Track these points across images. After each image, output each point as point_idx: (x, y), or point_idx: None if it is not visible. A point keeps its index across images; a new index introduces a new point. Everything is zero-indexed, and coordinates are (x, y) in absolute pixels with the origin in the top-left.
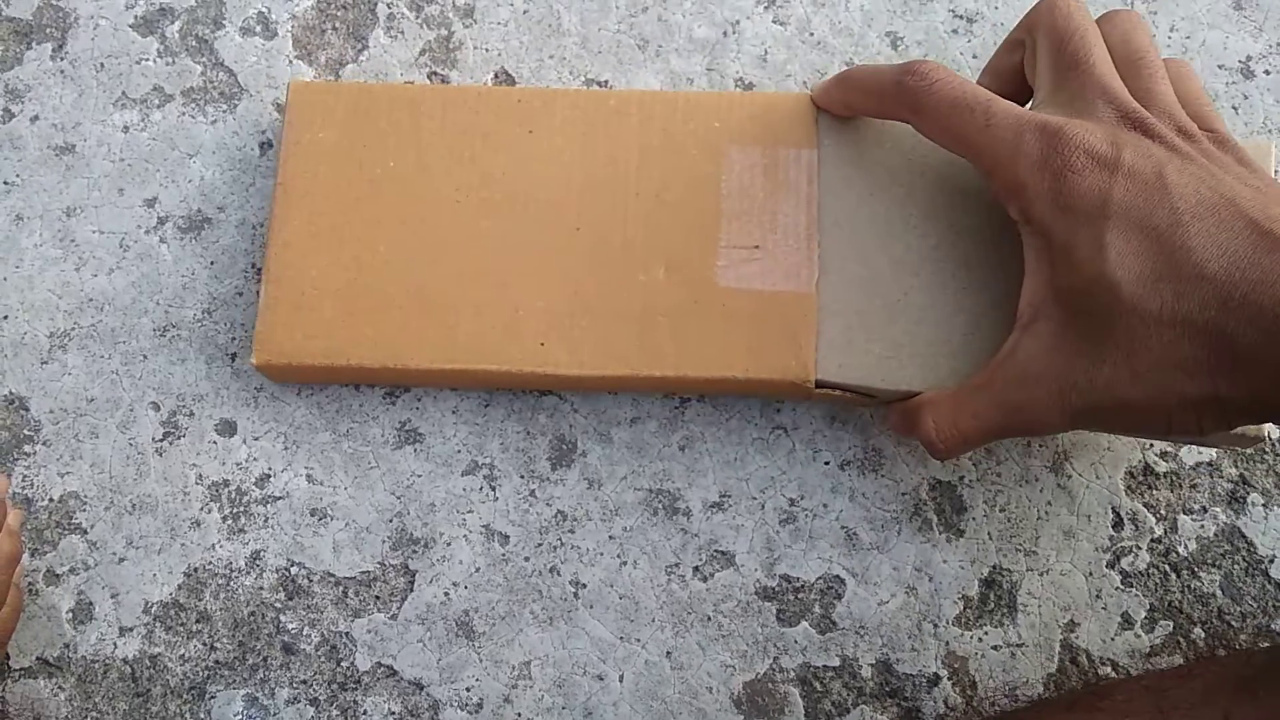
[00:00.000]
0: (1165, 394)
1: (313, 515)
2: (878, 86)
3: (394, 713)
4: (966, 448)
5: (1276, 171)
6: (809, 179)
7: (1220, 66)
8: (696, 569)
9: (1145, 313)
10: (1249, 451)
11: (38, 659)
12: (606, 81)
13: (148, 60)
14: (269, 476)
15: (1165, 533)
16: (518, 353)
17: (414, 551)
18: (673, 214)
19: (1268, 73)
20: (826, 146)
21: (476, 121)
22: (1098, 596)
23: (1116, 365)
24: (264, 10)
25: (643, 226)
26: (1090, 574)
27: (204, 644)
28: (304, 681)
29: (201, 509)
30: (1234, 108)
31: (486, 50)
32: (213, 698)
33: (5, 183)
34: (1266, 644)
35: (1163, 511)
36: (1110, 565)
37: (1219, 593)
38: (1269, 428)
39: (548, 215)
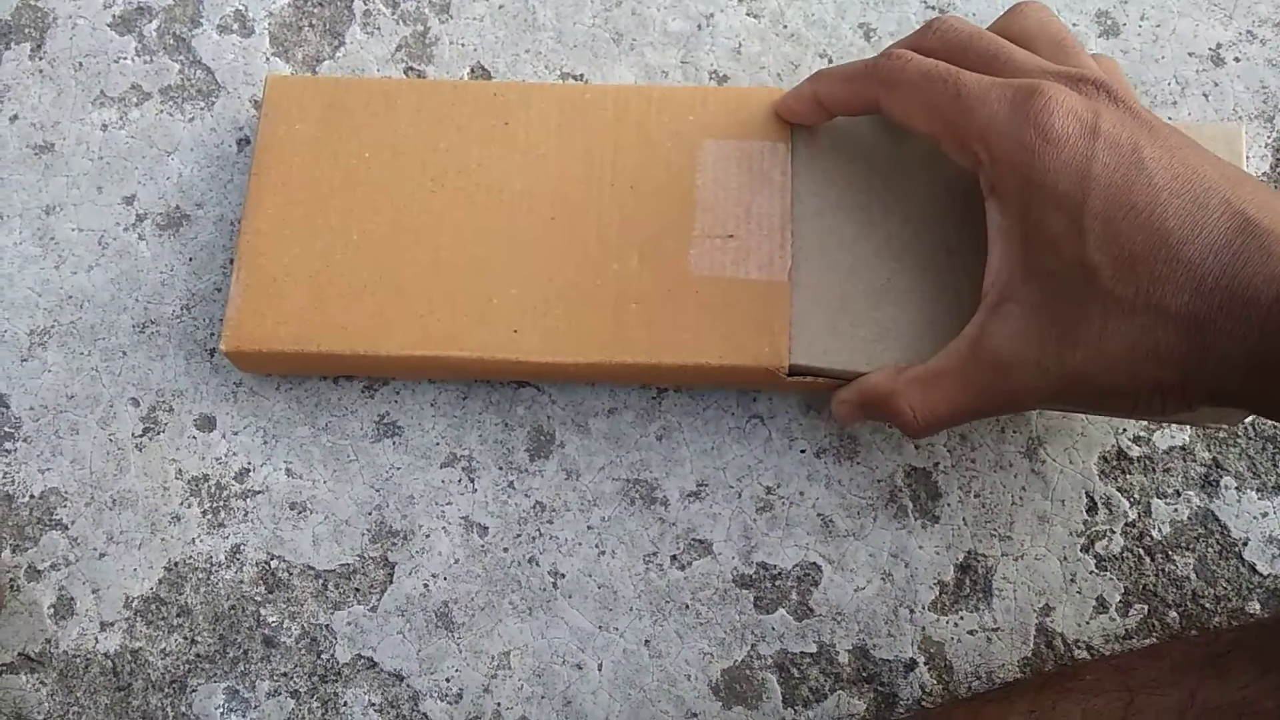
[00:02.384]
0: (1136, 379)
1: (292, 509)
2: (851, 71)
3: (374, 704)
4: (941, 429)
5: (1247, 156)
6: (782, 170)
7: (1190, 54)
8: (674, 558)
9: (1120, 298)
10: (1221, 435)
11: (19, 655)
12: (582, 75)
13: (126, 59)
14: (248, 471)
15: (1139, 516)
16: (490, 340)
17: (393, 544)
18: (647, 204)
19: (1237, 60)
20: (800, 140)
21: (452, 114)
22: (1072, 580)
23: (1089, 350)
24: (241, 8)
25: (617, 216)
26: (1065, 558)
27: (185, 638)
28: (284, 674)
29: (181, 504)
30: (1204, 95)
31: (462, 45)
32: (194, 691)
33: None
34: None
35: (1136, 495)
36: (1085, 549)
37: (1193, 576)
38: None
39: (522, 205)
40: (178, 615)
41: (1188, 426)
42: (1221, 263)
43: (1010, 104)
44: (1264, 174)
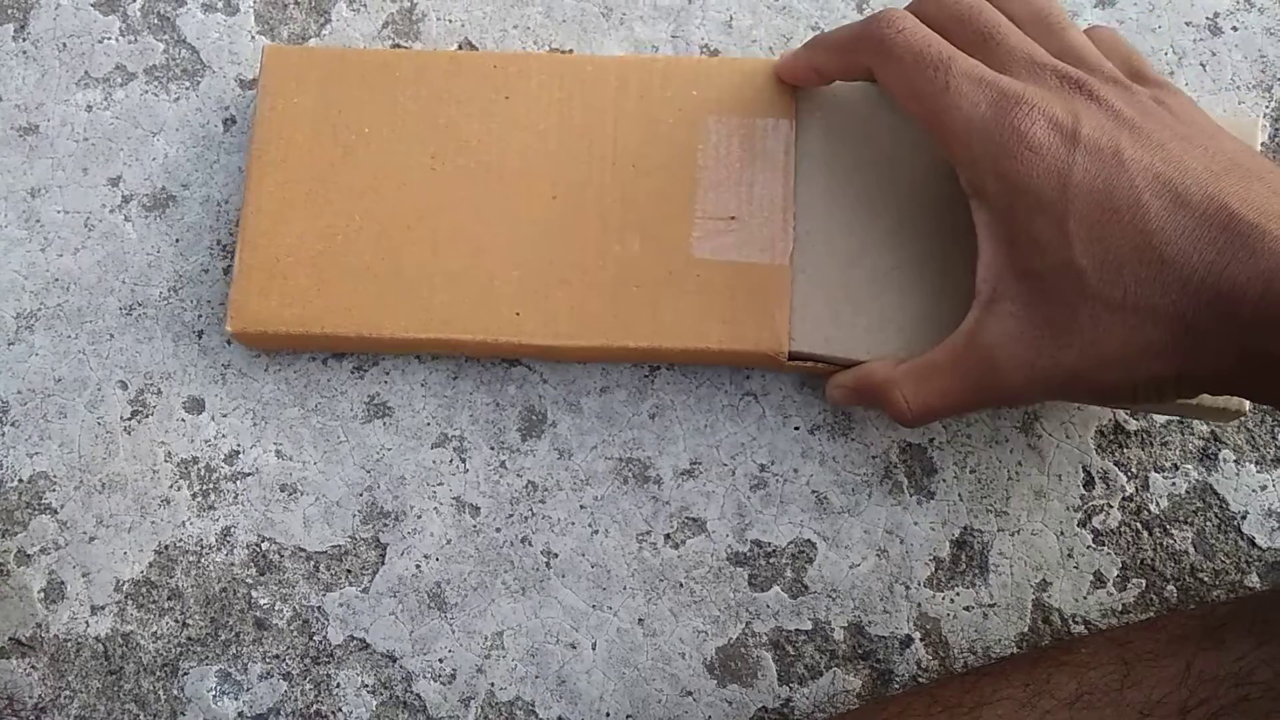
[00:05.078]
0: (1132, 375)
1: (282, 490)
2: (843, 38)
3: (367, 685)
4: (934, 420)
5: (1262, 145)
6: (785, 149)
7: (1187, 23)
8: (668, 536)
9: (1109, 300)
10: None
11: (10, 639)
12: (571, 51)
13: (110, 39)
14: (238, 453)
15: (1137, 490)
16: (492, 322)
17: (385, 525)
18: (649, 183)
19: (1235, 29)
20: (806, 117)
21: (451, 87)
22: (1069, 555)
23: (1083, 351)
24: None
25: (618, 196)
26: (1062, 533)
27: (176, 621)
28: (277, 656)
29: (171, 486)
30: (1202, 64)
31: (449, 21)
32: (186, 674)
33: None
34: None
35: (1134, 469)
36: (1082, 524)
37: (1191, 550)
38: (1248, 402)
39: (523, 183)
40: (169, 598)
41: None
42: (1206, 261)
43: (993, 108)
44: (1263, 144)
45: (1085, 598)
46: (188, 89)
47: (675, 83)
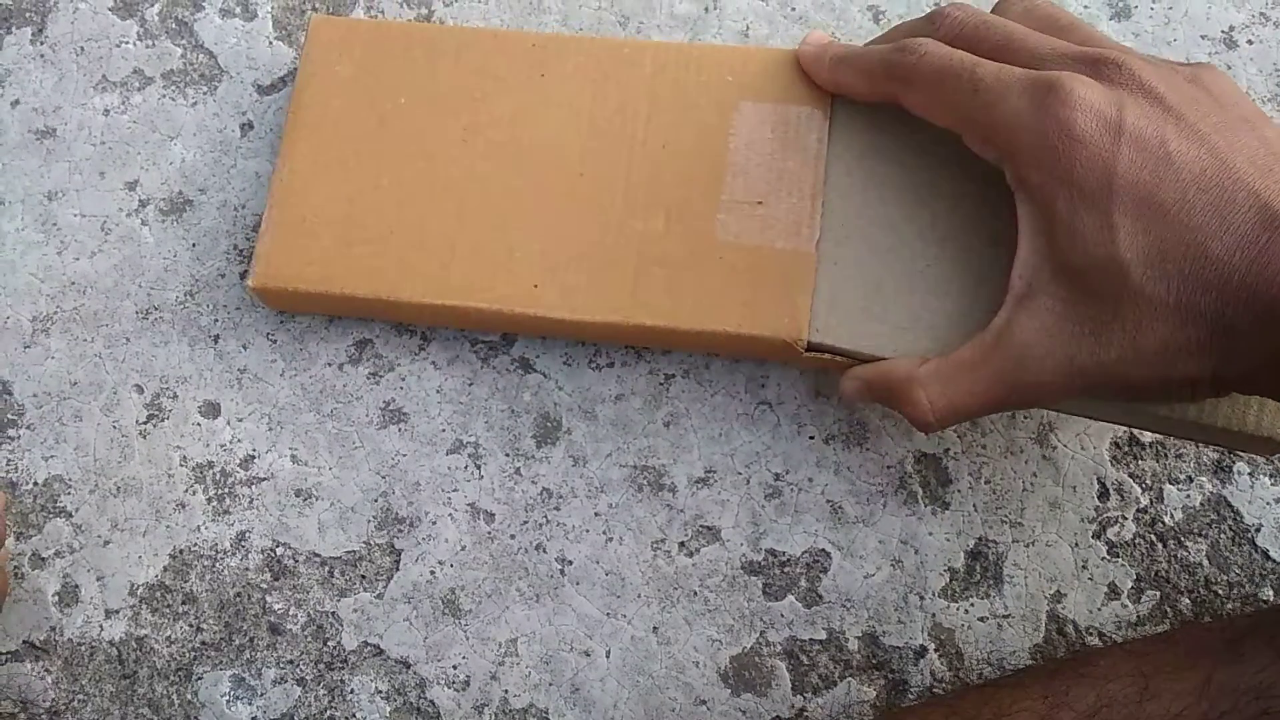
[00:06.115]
0: (1168, 372)
1: (298, 496)
2: (869, 65)
3: (381, 691)
4: (956, 423)
5: None
6: (819, 138)
7: (1203, 36)
8: (682, 544)
9: (1152, 296)
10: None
11: (24, 642)
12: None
13: (128, 43)
14: (253, 457)
15: (1151, 502)
16: (510, 293)
17: (399, 531)
18: (677, 165)
19: (1250, 42)
20: (845, 106)
21: (490, 63)
22: (1084, 567)
23: (1123, 348)
24: None
25: (646, 175)
26: (1076, 545)
27: (190, 625)
28: (291, 661)
29: (186, 491)
30: None
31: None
32: (199, 679)
33: None
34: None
35: (1148, 481)
36: (1096, 535)
37: (1206, 562)
38: None
39: (552, 159)
40: (183, 603)
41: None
42: (1247, 259)
43: (1030, 99)
44: None
45: (1099, 609)
46: (205, 94)
47: (711, 68)
